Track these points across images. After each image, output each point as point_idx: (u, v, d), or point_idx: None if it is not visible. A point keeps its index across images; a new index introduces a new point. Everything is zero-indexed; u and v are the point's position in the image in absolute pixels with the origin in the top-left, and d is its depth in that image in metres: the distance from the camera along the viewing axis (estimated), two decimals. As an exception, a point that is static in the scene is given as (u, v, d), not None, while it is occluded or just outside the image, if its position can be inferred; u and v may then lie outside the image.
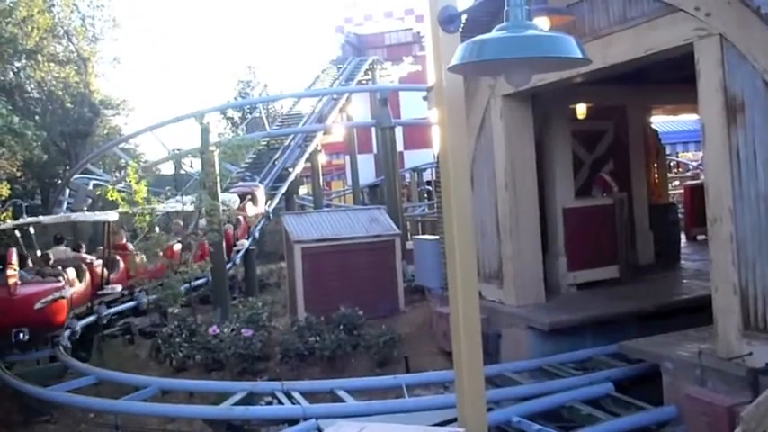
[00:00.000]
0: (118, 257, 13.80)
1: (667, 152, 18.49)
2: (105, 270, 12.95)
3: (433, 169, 19.42)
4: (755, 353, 6.13)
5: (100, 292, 12.80)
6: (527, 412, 7.08)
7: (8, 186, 18.77)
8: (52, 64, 25.06)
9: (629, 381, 7.77)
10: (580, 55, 2.84)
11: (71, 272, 11.70)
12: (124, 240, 14.91)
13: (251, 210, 19.59)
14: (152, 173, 23.69)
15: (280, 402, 7.95)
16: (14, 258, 10.64)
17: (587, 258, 10.56)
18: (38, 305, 10.57)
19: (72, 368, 10.26)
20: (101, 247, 13.78)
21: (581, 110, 10.92)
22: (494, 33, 2.89)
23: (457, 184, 3.68)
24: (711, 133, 6.52)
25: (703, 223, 6.99)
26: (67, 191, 23.47)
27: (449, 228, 3.71)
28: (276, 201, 21.70)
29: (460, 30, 3.63)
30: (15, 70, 24.21)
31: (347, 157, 32.04)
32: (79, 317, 12.00)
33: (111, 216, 13.26)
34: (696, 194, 12.40)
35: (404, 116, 28.77)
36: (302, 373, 10.18)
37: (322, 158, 26.91)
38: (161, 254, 13.28)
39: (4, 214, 18.43)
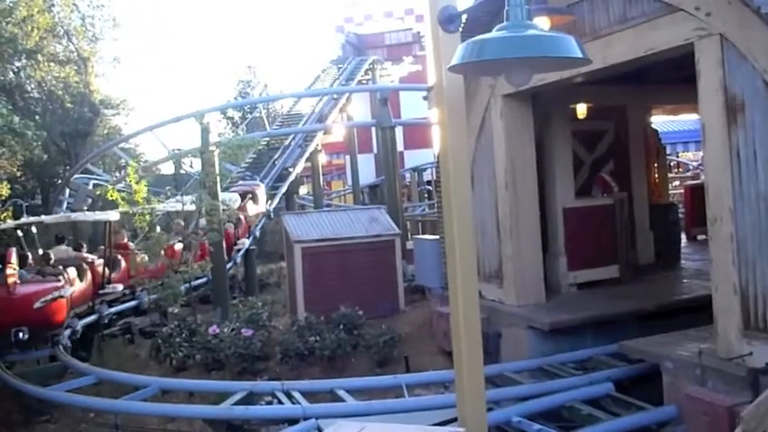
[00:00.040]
0: (119, 257, 13.82)
1: (667, 152, 18.48)
2: (107, 269, 12.97)
3: (434, 169, 19.41)
4: (755, 353, 6.13)
5: (101, 292, 12.81)
6: (527, 412, 7.07)
7: (8, 186, 18.78)
8: (52, 64, 25.07)
9: (630, 381, 7.77)
10: (580, 55, 2.83)
11: (72, 271, 11.71)
12: (125, 240, 14.93)
13: (252, 209, 19.60)
14: (152, 173, 23.69)
15: (280, 402, 7.94)
16: (14, 258, 10.65)
17: (587, 258, 10.56)
18: (37, 304, 10.57)
19: (72, 368, 10.26)
20: (102, 247, 13.80)
21: (581, 110, 10.92)
22: (494, 33, 2.89)
23: (457, 184, 3.67)
24: (711, 133, 6.52)
25: (703, 223, 6.99)
26: (67, 190, 23.48)
27: (449, 227, 3.71)
28: (276, 200, 21.72)
29: (460, 30, 3.63)
30: (15, 70, 24.23)
31: (347, 157, 32.05)
32: (80, 316, 12.01)
33: (113, 216, 13.28)
34: (696, 194, 12.40)
35: (404, 116, 28.78)
36: (302, 372, 10.18)
37: (322, 158, 26.91)
38: (162, 253, 13.30)
39: (5, 214, 18.43)
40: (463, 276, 3.67)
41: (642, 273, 11.28)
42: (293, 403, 7.77)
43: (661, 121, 17.68)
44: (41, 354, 11.21)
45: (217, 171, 14.54)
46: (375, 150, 29.09)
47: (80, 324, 11.76)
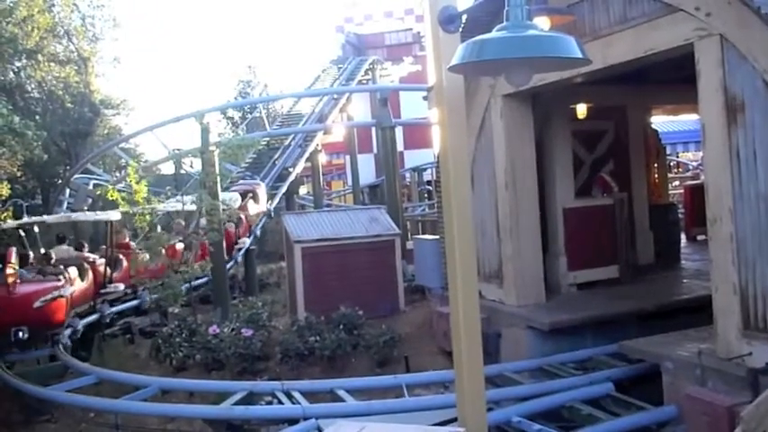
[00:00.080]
0: (121, 256, 13.83)
1: (667, 152, 18.49)
2: (108, 269, 12.97)
3: (434, 169, 19.42)
4: (755, 353, 6.13)
5: (103, 291, 12.83)
6: (527, 412, 7.08)
7: (8, 186, 18.75)
8: (52, 64, 25.05)
9: (630, 381, 7.77)
10: (580, 55, 2.84)
11: (73, 271, 11.71)
12: (127, 239, 14.93)
13: (252, 208, 19.61)
14: (152, 173, 23.69)
15: (280, 402, 7.95)
16: (14, 257, 10.66)
17: (587, 258, 10.57)
18: (37, 304, 10.58)
19: (72, 367, 10.26)
20: (103, 246, 13.81)
21: (581, 110, 10.92)
22: (494, 33, 2.89)
23: (457, 184, 3.67)
24: (711, 133, 6.52)
25: (703, 223, 6.99)
26: (68, 190, 23.49)
27: (449, 227, 3.71)
28: (276, 200, 21.72)
29: (460, 30, 3.63)
30: (16, 70, 24.21)
31: (347, 157, 32.06)
32: (81, 315, 12.02)
33: (114, 215, 13.29)
34: (696, 194, 12.39)
35: (404, 116, 28.76)
36: (302, 372, 10.18)
37: (322, 158, 26.92)
38: (163, 253, 13.31)
39: (5, 214, 18.41)
40: (463, 276, 3.67)
41: (642, 273, 11.29)
42: (293, 403, 7.77)
43: (661, 121, 17.67)
44: (41, 353, 11.22)
45: (217, 171, 14.54)
46: (375, 150, 29.09)
47: (81, 323, 11.77)
